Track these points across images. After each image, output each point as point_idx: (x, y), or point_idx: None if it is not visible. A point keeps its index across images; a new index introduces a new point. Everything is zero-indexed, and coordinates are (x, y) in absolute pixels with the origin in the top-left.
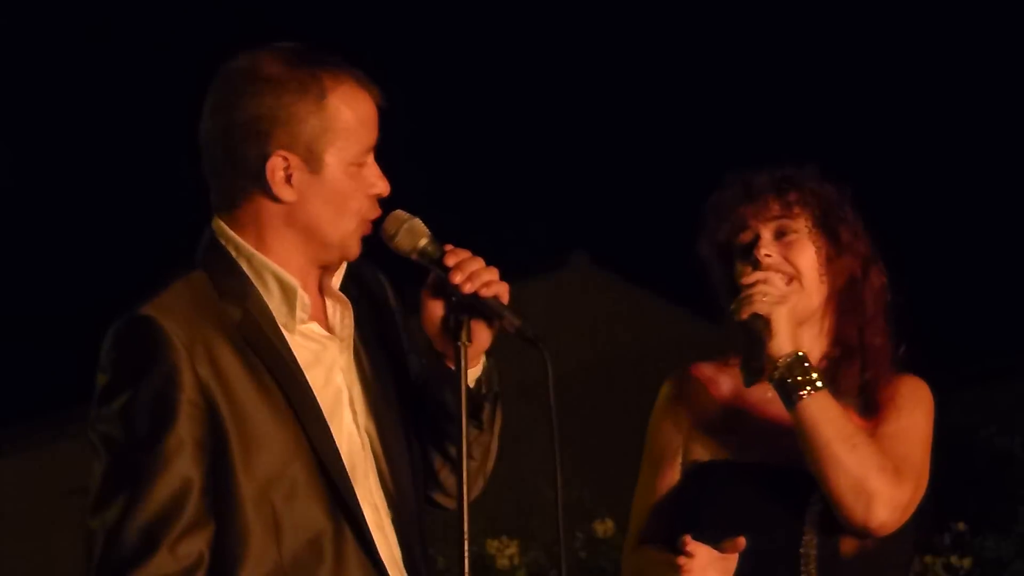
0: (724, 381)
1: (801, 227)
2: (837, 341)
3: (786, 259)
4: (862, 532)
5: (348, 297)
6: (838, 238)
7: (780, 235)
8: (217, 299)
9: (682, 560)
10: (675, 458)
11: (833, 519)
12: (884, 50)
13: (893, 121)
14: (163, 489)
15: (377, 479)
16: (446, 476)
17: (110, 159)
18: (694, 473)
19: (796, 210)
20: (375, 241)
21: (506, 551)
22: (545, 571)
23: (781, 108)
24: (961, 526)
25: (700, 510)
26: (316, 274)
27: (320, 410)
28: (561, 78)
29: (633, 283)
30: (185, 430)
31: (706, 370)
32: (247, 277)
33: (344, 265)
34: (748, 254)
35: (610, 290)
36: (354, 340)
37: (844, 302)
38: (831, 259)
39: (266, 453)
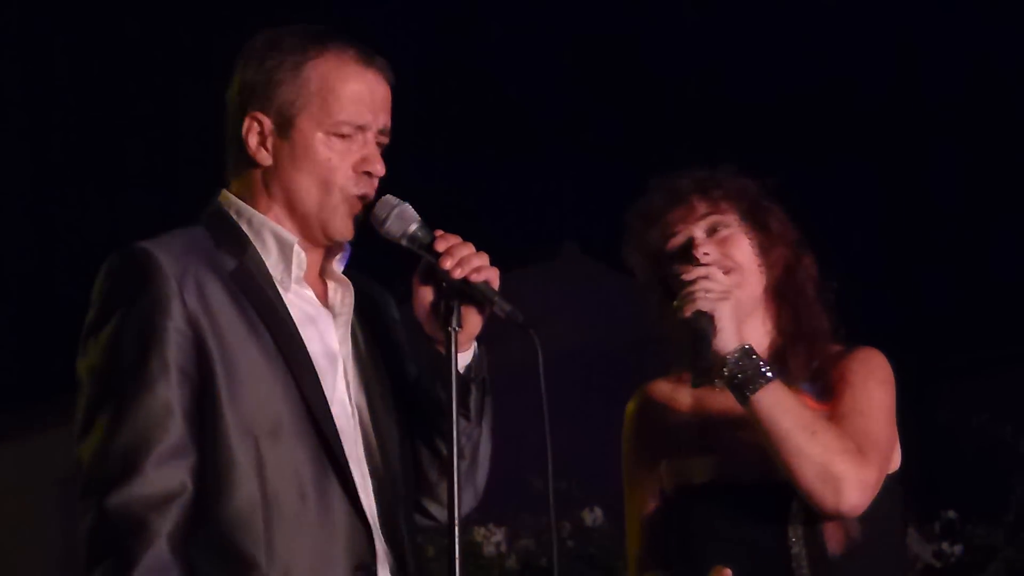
0: (682, 396)
1: (732, 221)
2: (780, 329)
3: (724, 254)
4: (835, 516)
5: (360, 304)
6: (768, 228)
7: (712, 232)
8: (214, 248)
9: None
10: (650, 482)
11: (812, 517)
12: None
13: (893, 110)
14: (146, 411)
15: (364, 451)
16: (435, 478)
17: (112, 153)
18: (674, 498)
19: (723, 206)
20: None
21: (492, 539)
22: (535, 559)
23: (769, 99)
24: (952, 513)
25: (688, 537)
26: (315, 254)
27: (311, 362)
28: (552, 65)
29: (624, 273)
30: (170, 356)
31: (663, 388)
32: (246, 236)
33: (346, 251)
34: (684, 257)
35: (601, 280)
36: (353, 323)
37: (782, 290)
38: (765, 249)
39: (252, 391)
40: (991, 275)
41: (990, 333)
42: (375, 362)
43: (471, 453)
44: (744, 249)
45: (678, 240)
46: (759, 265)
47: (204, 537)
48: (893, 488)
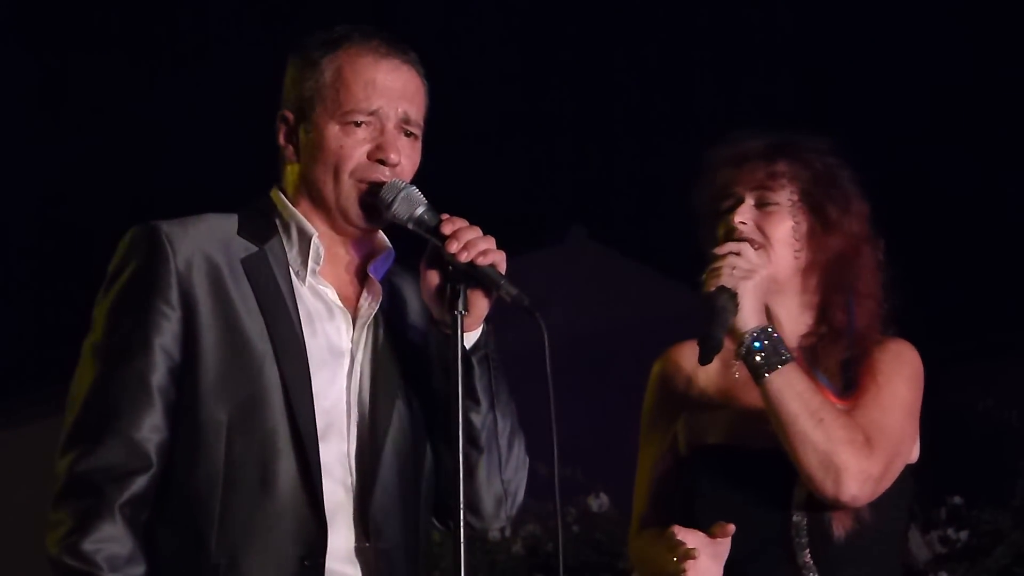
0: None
1: (783, 199)
2: (824, 318)
3: (760, 228)
4: (835, 504)
5: (403, 309)
6: (824, 213)
7: (761, 204)
8: (235, 234)
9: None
10: (667, 443)
11: (822, 505)
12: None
13: (893, 99)
14: (120, 384)
15: (355, 448)
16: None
17: (117, 145)
18: (687, 457)
19: (782, 181)
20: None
21: None
22: (540, 544)
23: (781, 85)
24: (957, 499)
25: (694, 496)
26: (348, 250)
27: (304, 352)
28: (559, 50)
29: (630, 257)
30: (154, 334)
31: (691, 350)
32: (275, 226)
33: (390, 257)
34: (726, 220)
35: (607, 264)
36: (378, 326)
37: (831, 279)
38: (815, 234)
39: (231, 371)
40: (997, 260)
41: (996, 318)
42: (395, 365)
43: (490, 444)
44: (783, 228)
45: (728, 203)
46: (797, 249)
47: (165, 513)
48: (905, 478)
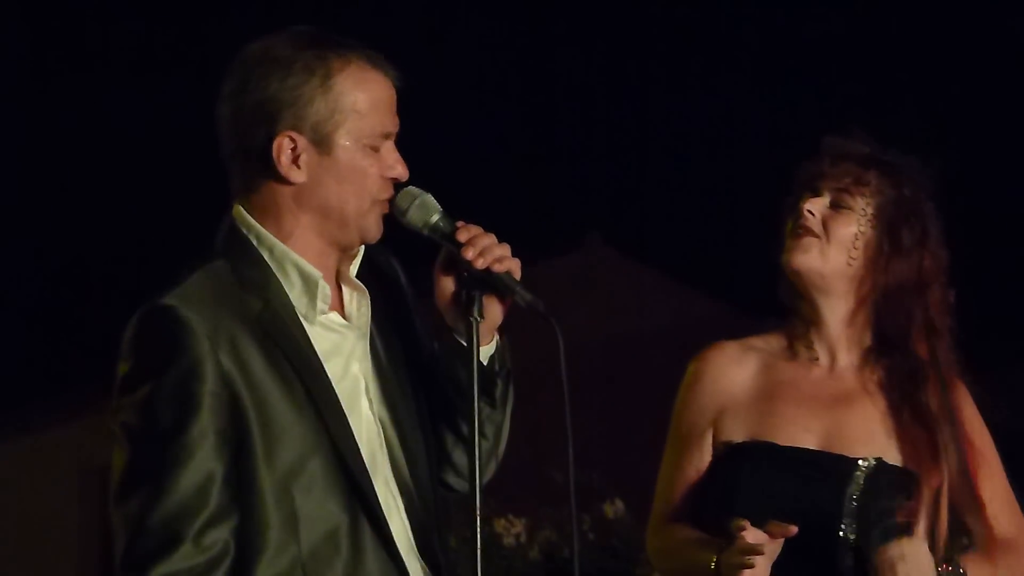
0: (750, 360)
1: (858, 206)
2: (904, 351)
3: (825, 224)
4: None
5: (365, 284)
6: (898, 237)
7: (836, 204)
8: (238, 289)
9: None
10: (703, 438)
11: (871, 510)
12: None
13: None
14: (186, 481)
15: (391, 466)
16: (459, 456)
17: (121, 148)
18: (728, 454)
19: (864, 189)
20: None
21: (512, 530)
22: (557, 550)
23: (792, 94)
24: None
25: (735, 492)
26: (335, 259)
27: (339, 403)
28: (575, 56)
29: (646, 264)
30: (207, 421)
31: (731, 349)
32: (269, 268)
33: (362, 252)
34: (798, 206)
35: (623, 271)
36: (369, 328)
37: (887, 306)
38: (883, 253)
39: (287, 445)
40: (1011, 269)
41: (1011, 327)
42: (393, 365)
43: (494, 434)
44: (846, 230)
45: (807, 193)
46: (854, 255)
47: None
48: None
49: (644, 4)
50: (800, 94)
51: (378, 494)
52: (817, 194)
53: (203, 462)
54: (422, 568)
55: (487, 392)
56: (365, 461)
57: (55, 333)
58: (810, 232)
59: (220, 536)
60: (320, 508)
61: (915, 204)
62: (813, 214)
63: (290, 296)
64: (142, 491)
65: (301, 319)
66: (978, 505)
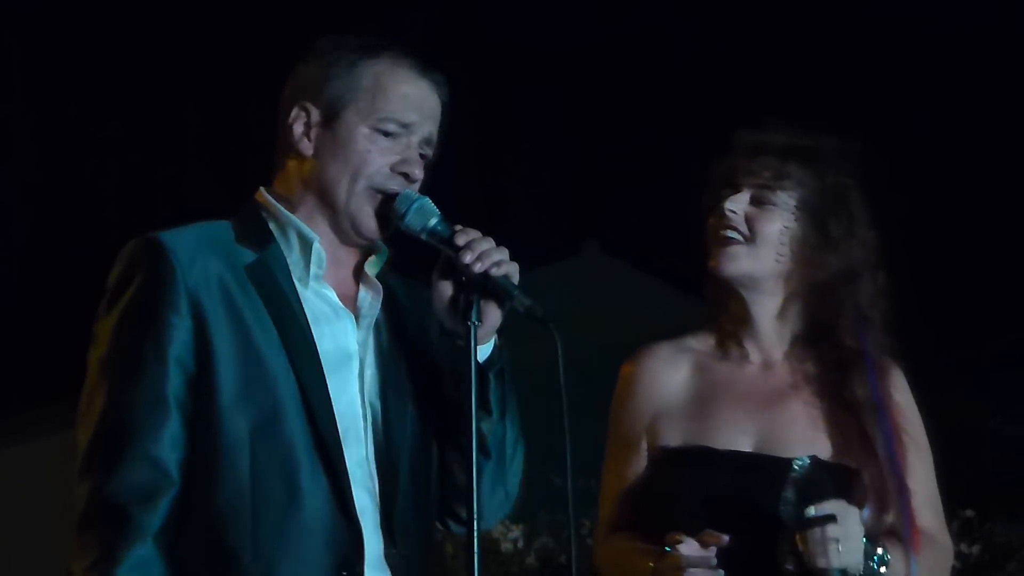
0: (683, 361)
1: (781, 200)
2: (830, 342)
3: (749, 222)
4: None
5: (396, 296)
6: (825, 230)
7: (758, 200)
8: (234, 243)
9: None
10: (640, 443)
11: (809, 489)
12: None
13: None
14: (137, 400)
15: (372, 452)
16: (465, 483)
17: (121, 154)
18: (664, 459)
19: (786, 183)
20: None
21: (509, 536)
22: (554, 556)
23: (792, 102)
24: (970, 512)
25: (674, 499)
26: (347, 252)
27: (317, 358)
28: (572, 62)
29: (644, 271)
30: (167, 345)
31: (663, 351)
32: (270, 232)
33: (383, 254)
34: (720, 206)
35: (621, 277)
36: (380, 326)
37: (817, 297)
38: (811, 247)
39: (249, 382)
40: (1013, 270)
41: (1009, 331)
42: (399, 366)
43: (498, 452)
44: (771, 227)
45: (728, 191)
46: (781, 251)
47: (191, 530)
48: None
49: (650, 9)
50: (800, 102)
51: (347, 464)
52: (737, 190)
53: (156, 384)
54: (381, 547)
55: (482, 396)
56: (338, 429)
57: (55, 336)
58: (736, 236)
59: (166, 463)
60: (279, 450)
61: (839, 191)
62: (736, 213)
63: (288, 259)
64: (97, 405)
65: (295, 280)
66: (904, 494)
